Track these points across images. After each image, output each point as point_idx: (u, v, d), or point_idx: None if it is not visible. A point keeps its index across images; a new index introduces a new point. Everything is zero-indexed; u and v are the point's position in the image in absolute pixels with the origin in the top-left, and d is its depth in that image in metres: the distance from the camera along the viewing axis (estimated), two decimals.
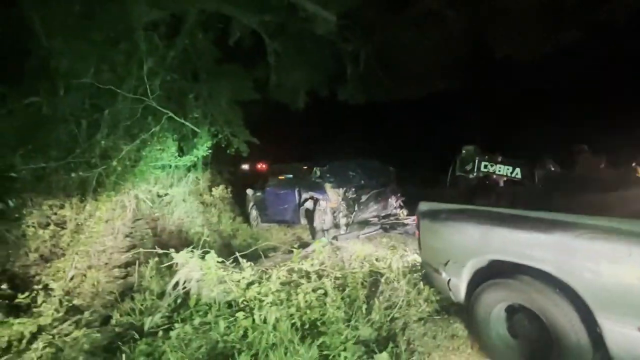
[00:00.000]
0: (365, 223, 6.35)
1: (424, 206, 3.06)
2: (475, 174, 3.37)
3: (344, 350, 2.53)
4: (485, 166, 3.32)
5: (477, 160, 3.37)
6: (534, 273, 2.22)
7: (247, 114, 10.11)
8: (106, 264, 4.34)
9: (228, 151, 8.84)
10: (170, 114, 4.95)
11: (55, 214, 4.45)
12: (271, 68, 10.50)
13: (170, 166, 7.10)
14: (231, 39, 9.25)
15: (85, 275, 3.82)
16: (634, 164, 3.88)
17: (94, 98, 4.81)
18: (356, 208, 6.23)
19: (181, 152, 7.24)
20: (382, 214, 6.52)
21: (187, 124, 5.85)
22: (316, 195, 6.30)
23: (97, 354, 2.67)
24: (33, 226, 4.17)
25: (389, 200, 6.62)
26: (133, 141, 4.79)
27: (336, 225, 6.09)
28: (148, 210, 6.44)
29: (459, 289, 2.70)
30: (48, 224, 4.31)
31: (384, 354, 2.51)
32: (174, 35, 7.19)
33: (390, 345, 2.61)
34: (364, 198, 6.34)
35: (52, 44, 4.07)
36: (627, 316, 1.86)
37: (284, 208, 6.99)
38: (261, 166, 13.14)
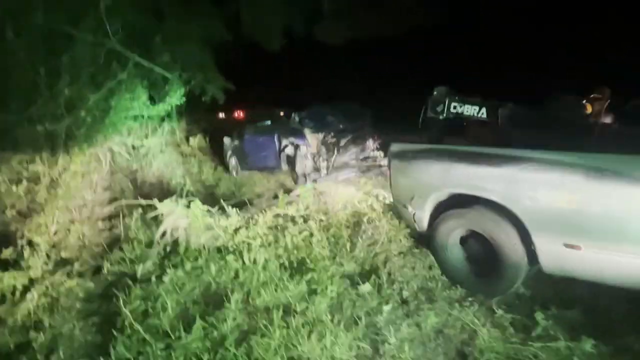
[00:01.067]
0: (344, 166, 6.48)
1: (394, 147, 3.27)
2: (445, 114, 3.43)
3: (331, 284, 2.73)
4: (455, 107, 3.39)
5: (447, 101, 3.41)
6: (485, 203, 2.52)
7: (221, 58, 9.53)
8: (89, 217, 4.29)
9: (203, 99, 8.45)
10: (137, 58, 4.57)
11: (27, 169, 4.27)
12: (242, 5, 9.69)
13: (143, 116, 6.77)
14: None
15: (69, 230, 3.79)
16: (584, 101, 4.12)
17: (49, 42, 4.35)
18: (336, 152, 6.31)
19: (153, 101, 6.87)
20: (361, 157, 6.64)
21: (156, 69, 5.46)
22: (296, 141, 6.29)
23: (93, 301, 2.77)
24: (4, 182, 4.01)
25: (367, 142, 6.70)
26: (99, 90, 4.47)
27: (317, 170, 6.19)
28: (125, 162, 6.27)
29: (423, 221, 3.01)
30: (20, 180, 4.15)
31: (367, 285, 2.73)
32: None
33: (373, 277, 2.83)
34: (343, 142, 6.41)
35: None
36: (555, 234, 2.19)
37: (264, 155, 6.97)
38: (238, 114, 12.73)
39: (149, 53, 6.38)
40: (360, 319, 2.37)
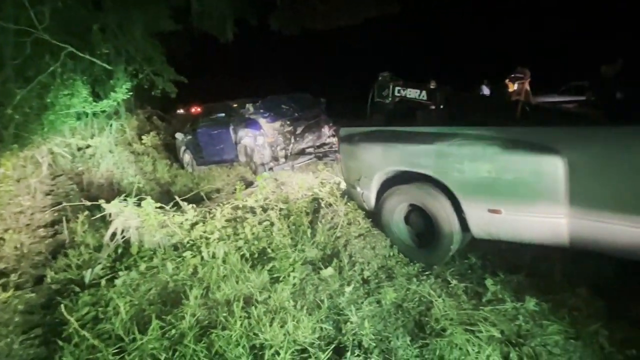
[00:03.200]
0: (301, 153, 6.51)
1: (343, 131, 3.41)
2: (390, 99, 3.61)
3: (293, 271, 2.71)
4: (399, 91, 3.59)
5: (391, 86, 3.58)
6: (422, 178, 2.71)
7: (172, 50, 9.06)
8: (28, 225, 3.93)
9: (153, 93, 8.01)
10: (71, 49, 4.19)
11: None
12: None
13: (87, 114, 6.30)
14: None
15: (3, 239, 3.45)
16: (507, 80, 4.47)
17: None
18: (293, 140, 6.32)
19: (97, 97, 6.40)
20: (317, 144, 6.73)
21: (96, 61, 5.06)
22: (253, 132, 6.18)
23: (35, 312, 2.55)
24: None
25: (323, 129, 6.80)
26: (29, 84, 4.05)
27: (275, 159, 6.17)
28: (68, 165, 5.80)
29: (370, 200, 3.18)
30: None
31: (329, 269, 2.74)
32: None
33: (335, 261, 2.85)
34: (299, 130, 6.44)
35: None
36: (481, 201, 2.41)
37: (220, 148, 6.78)
38: (196, 109, 12.24)
39: (87, 44, 5.90)
40: (322, 302, 2.38)
